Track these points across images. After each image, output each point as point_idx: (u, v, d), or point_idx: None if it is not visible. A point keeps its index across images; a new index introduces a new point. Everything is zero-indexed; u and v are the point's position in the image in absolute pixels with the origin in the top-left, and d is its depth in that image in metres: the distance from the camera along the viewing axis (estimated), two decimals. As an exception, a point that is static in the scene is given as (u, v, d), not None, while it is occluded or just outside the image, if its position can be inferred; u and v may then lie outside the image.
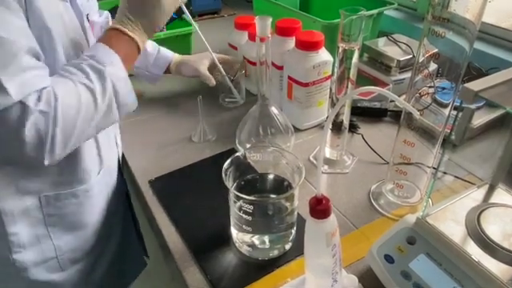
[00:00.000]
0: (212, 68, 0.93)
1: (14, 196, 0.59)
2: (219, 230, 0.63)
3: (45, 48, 0.52)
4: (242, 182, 0.60)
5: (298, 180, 0.55)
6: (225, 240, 0.61)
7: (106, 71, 0.54)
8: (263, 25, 0.64)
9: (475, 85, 0.40)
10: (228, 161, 0.58)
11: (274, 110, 0.74)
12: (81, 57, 0.55)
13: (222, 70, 0.90)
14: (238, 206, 0.56)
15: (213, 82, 0.91)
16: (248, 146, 0.74)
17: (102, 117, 0.55)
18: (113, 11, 0.80)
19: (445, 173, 0.68)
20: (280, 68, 0.85)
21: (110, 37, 0.57)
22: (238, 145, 0.76)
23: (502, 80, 0.42)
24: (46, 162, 0.51)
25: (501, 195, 0.59)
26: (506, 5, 1.18)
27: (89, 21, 0.65)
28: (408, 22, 1.22)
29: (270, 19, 0.64)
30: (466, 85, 0.41)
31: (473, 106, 0.43)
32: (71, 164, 0.62)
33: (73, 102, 0.51)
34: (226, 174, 0.56)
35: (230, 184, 0.56)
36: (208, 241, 0.62)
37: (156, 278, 1.07)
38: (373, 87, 0.39)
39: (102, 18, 0.74)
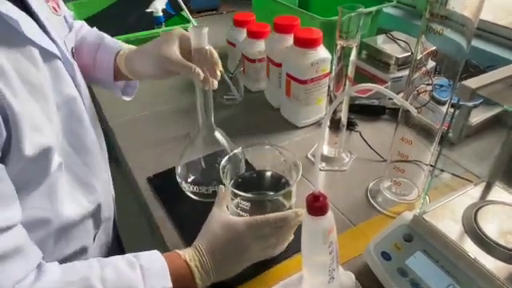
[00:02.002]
0: (186, 56, 0.59)
1: None
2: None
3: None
4: (240, 180, 0.60)
5: (295, 177, 0.55)
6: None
7: None
8: (198, 34, 0.55)
9: (472, 82, 0.40)
10: (225, 158, 0.58)
11: (218, 135, 0.66)
12: (133, 264, 0.47)
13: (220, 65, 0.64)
14: (235, 204, 0.56)
15: (199, 74, 0.56)
16: (191, 178, 0.66)
17: None
18: (89, 20, 0.78)
19: (442, 170, 0.68)
20: (278, 65, 0.85)
21: (173, 265, 0.49)
22: (178, 178, 0.68)
23: (500, 78, 0.42)
24: None
25: (498, 193, 0.59)
26: (505, 1, 1.18)
27: (73, 55, 0.58)
28: (407, 19, 1.22)
29: (207, 29, 0.56)
30: (463, 82, 0.41)
31: (470, 104, 0.43)
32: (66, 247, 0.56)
33: None
34: (223, 172, 0.56)
35: (228, 181, 0.56)
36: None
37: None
38: (370, 84, 0.39)
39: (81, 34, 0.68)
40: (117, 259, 0.47)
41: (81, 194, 0.56)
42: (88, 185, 0.57)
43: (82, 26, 0.72)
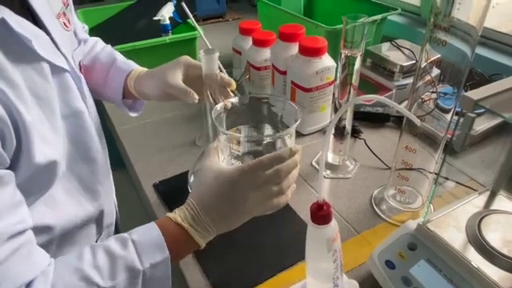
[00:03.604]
0: (194, 80, 0.66)
1: None
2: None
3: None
4: (236, 129, 0.57)
5: (294, 122, 0.52)
6: (228, 243, 0.62)
7: (143, 275, 0.45)
8: (209, 60, 0.56)
9: (475, 94, 0.41)
10: (220, 104, 0.54)
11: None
12: (125, 240, 0.45)
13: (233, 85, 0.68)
14: (229, 153, 0.53)
15: (193, 97, 0.63)
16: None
17: None
18: (97, 27, 0.79)
19: (446, 178, 0.69)
20: (283, 73, 0.86)
21: (167, 230, 0.47)
22: (189, 187, 0.67)
23: (502, 89, 0.42)
24: None
25: (502, 202, 0.59)
26: (510, 9, 1.18)
27: (80, 69, 0.59)
28: (411, 27, 1.23)
29: (217, 55, 0.57)
30: (466, 94, 0.41)
31: (473, 115, 0.43)
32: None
33: None
34: (216, 119, 0.52)
35: (223, 128, 0.53)
36: (210, 243, 0.62)
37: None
38: (373, 95, 0.39)
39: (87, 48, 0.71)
40: (109, 240, 0.46)
41: (86, 199, 0.57)
42: (93, 190, 0.59)
43: (96, 43, 0.75)
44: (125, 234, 0.47)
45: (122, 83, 0.69)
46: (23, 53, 0.44)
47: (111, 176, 0.70)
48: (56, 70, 0.49)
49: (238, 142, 0.52)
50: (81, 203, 0.56)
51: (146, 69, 0.71)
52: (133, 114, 0.76)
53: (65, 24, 0.55)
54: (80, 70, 0.59)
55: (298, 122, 0.51)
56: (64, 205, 0.53)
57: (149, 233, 0.47)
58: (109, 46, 0.77)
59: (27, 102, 0.43)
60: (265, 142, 0.54)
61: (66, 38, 0.55)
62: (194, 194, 0.50)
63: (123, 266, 0.44)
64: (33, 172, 0.44)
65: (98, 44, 0.76)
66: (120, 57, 0.73)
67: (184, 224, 0.47)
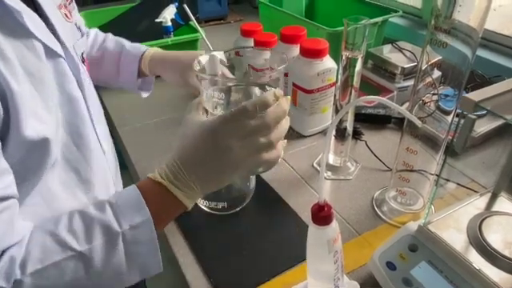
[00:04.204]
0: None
1: None
2: (224, 233, 0.64)
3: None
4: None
5: (280, 66, 0.49)
6: (230, 244, 0.62)
7: (122, 237, 0.43)
8: (213, 61, 0.54)
9: (476, 95, 0.41)
10: (204, 56, 0.51)
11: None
12: (102, 205, 0.44)
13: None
14: (213, 103, 0.51)
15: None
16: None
17: (101, 286, 0.44)
18: (99, 29, 0.81)
19: (447, 180, 0.69)
20: (285, 75, 0.86)
21: (148, 190, 0.45)
22: None
23: (503, 90, 0.42)
24: None
25: (503, 203, 0.59)
26: (511, 12, 1.18)
27: (83, 60, 0.60)
28: (413, 29, 1.23)
29: (220, 55, 0.56)
30: (466, 95, 0.41)
31: (474, 116, 0.44)
32: None
33: (48, 282, 0.40)
34: (199, 71, 0.50)
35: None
36: (212, 244, 0.62)
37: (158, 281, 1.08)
38: (374, 97, 0.39)
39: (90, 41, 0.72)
40: (87, 206, 0.45)
41: (81, 190, 0.57)
42: (88, 181, 0.58)
43: (96, 34, 0.77)
44: (103, 199, 0.45)
45: (136, 68, 0.72)
46: (14, 27, 0.43)
47: (118, 173, 0.70)
48: (50, 53, 0.48)
49: (221, 90, 0.49)
50: (76, 196, 0.55)
51: (156, 49, 0.75)
52: (144, 95, 0.79)
53: (66, 15, 0.56)
54: (83, 61, 0.59)
55: (283, 65, 0.48)
56: (60, 198, 0.52)
57: (127, 194, 0.45)
58: (110, 34, 0.79)
59: (18, 76, 0.42)
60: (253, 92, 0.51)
61: (68, 29, 0.55)
62: (174, 151, 0.47)
63: (100, 229, 0.42)
64: (25, 152, 0.43)
65: (99, 34, 0.78)
66: (126, 42, 0.76)
67: (164, 182, 0.44)
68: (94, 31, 0.78)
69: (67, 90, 0.52)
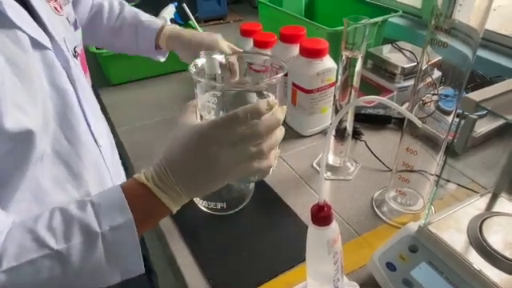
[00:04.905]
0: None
1: None
2: (223, 233, 0.64)
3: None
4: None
5: (280, 74, 0.49)
6: (229, 245, 0.62)
7: (102, 237, 0.41)
8: (211, 62, 0.53)
9: (476, 95, 0.41)
10: (201, 59, 0.51)
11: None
12: (83, 204, 0.43)
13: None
14: (207, 108, 0.50)
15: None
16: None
17: (78, 286, 0.43)
18: None
19: (448, 180, 0.68)
20: (284, 75, 0.86)
21: (131, 192, 0.44)
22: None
23: (504, 90, 0.42)
24: None
25: (503, 204, 0.59)
26: (511, 12, 1.18)
27: (76, 55, 0.59)
28: (413, 29, 1.23)
29: (219, 57, 0.56)
30: (467, 95, 0.41)
31: (474, 116, 0.43)
32: None
33: (24, 279, 0.39)
34: (195, 69, 0.50)
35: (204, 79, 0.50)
36: (211, 245, 0.62)
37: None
38: (374, 97, 0.39)
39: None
40: (69, 203, 0.43)
41: (72, 186, 0.56)
42: (79, 176, 0.56)
43: (111, 2, 0.82)
44: (85, 198, 0.44)
45: (153, 43, 0.79)
46: None
47: (121, 170, 0.69)
48: (37, 44, 0.48)
49: (216, 95, 0.48)
50: (67, 191, 0.54)
51: (174, 26, 0.81)
52: (162, 59, 0.85)
53: (56, 8, 0.55)
54: (75, 55, 0.58)
55: (281, 74, 0.48)
56: (50, 193, 0.51)
57: (110, 194, 0.44)
58: (126, 4, 0.85)
59: None
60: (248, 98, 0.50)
61: (58, 22, 0.55)
62: (162, 153, 0.46)
63: (79, 228, 0.41)
64: (7, 145, 0.43)
65: (114, 2, 0.83)
66: (142, 15, 0.82)
67: (149, 184, 0.43)
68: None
69: (57, 82, 0.51)
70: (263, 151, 0.45)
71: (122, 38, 0.82)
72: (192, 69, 0.49)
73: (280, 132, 0.47)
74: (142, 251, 0.45)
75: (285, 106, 0.47)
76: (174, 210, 0.45)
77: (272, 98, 0.46)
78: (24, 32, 0.46)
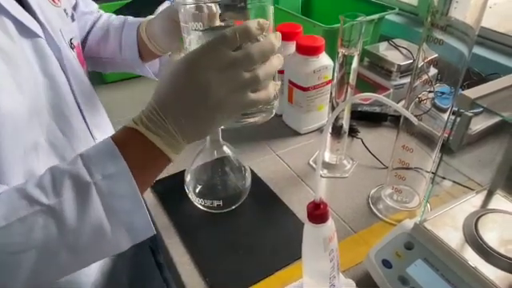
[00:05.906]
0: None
1: None
2: (219, 231, 0.64)
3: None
4: None
5: None
6: (225, 243, 0.62)
7: (97, 188, 0.39)
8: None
9: (472, 92, 0.41)
10: None
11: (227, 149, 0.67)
12: (74, 159, 0.41)
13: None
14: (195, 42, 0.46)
15: None
16: (198, 187, 0.67)
17: (81, 248, 0.39)
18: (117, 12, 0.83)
19: (443, 178, 0.68)
20: (281, 72, 0.86)
21: (122, 139, 0.41)
22: (186, 187, 0.68)
23: (499, 87, 0.42)
24: None
25: (499, 201, 0.59)
26: (507, 9, 1.18)
27: (73, 46, 0.58)
28: (409, 26, 1.23)
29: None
30: (463, 92, 0.41)
31: (470, 113, 0.43)
32: None
33: (17, 240, 0.37)
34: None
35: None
36: (207, 243, 0.62)
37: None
38: (370, 94, 0.39)
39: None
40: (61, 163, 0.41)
41: None
42: None
43: (102, 14, 0.77)
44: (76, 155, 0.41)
45: (135, 36, 0.68)
46: None
47: None
48: (26, 30, 0.47)
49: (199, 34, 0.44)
50: None
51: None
52: (151, 76, 0.74)
53: (53, 0, 0.56)
54: (72, 47, 0.58)
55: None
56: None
57: (100, 145, 0.41)
58: (121, 16, 0.78)
59: None
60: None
61: (54, 13, 0.55)
62: (153, 95, 0.42)
63: (69, 180, 0.38)
64: None
65: (105, 14, 0.79)
66: (131, 18, 0.74)
67: (138, 128, 0.40)
68: (108, 14, 0.80)
69: (50, 71, 0.51)
70: (258, 77, 0.40)
71: (108, 41, 0.72)
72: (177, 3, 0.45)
73: (277, 59, 0.43)
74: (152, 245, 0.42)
75: (279, 33, 0.43)
76: (172, 156, 0.41)
77: (263, 20, 0.41)
78: (11, 17, 0.45)
